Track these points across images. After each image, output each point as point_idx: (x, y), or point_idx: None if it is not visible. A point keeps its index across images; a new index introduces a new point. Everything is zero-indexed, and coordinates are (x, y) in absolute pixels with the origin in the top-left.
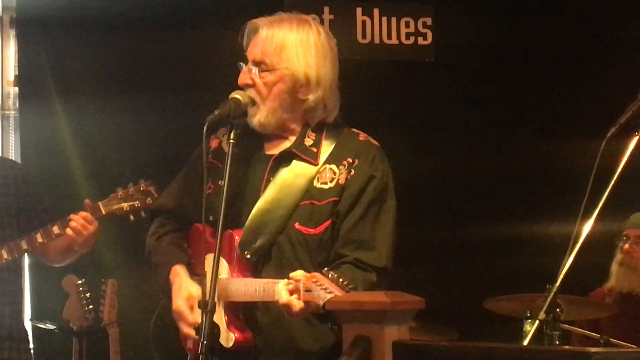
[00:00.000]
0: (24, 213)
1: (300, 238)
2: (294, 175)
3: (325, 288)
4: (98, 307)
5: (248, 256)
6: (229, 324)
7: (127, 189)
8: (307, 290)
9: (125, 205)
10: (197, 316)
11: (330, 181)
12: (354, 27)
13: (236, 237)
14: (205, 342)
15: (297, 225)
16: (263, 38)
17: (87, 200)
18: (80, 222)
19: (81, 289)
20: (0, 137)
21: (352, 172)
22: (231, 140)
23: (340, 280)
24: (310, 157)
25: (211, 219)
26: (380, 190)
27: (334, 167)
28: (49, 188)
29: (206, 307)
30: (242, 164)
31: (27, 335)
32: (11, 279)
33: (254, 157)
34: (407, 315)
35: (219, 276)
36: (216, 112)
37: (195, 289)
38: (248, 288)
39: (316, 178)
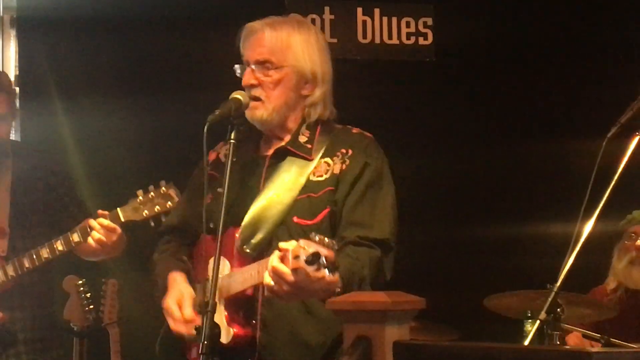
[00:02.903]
0: (52, 208)
1: (299, 230)
2: (290, 171)
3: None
4: (98, 307)
5: (248, 250)
6: (229, 320)
7: (147, 192)
8: (296, 257)
9: (145, 211)
10: (186, 313)
11: (325, 173)
12: (355, 27)
13: (236, 235)
14: (206, 343)
15: (295, 219)
16: (269, 37)
17: (100, 211)
18: (101, 232)
19: (82, 289)
20: None
21: (347, 161)
22: (232, 140)
23: (326, 240)
24: (305, 152)
25: (211, 226)
26: (376, 175)
27: (328, 159)
28: None
29: (207, 307)
30: (239, 167)
31: (54, 338)
32: (41, 282)
33: (250, 159)
34: (408, 315)
35: (221, 275)
36: (217, 112)
37: (186, 290)
38: (245, 275)
39: (312, 173)
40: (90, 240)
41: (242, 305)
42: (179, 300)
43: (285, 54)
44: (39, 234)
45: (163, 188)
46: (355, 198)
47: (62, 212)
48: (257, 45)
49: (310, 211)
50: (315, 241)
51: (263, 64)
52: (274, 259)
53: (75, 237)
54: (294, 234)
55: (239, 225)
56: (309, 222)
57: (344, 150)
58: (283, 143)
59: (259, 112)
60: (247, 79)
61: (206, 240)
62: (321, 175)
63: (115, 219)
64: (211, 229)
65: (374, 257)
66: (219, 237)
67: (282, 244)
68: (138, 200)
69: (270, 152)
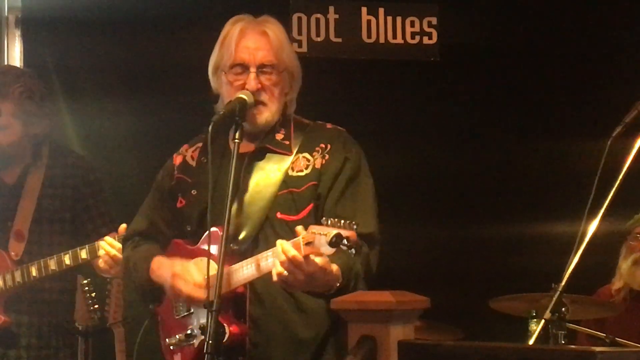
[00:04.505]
0: (79, 217)
1: (284, 226)
2: (269, 168)
3: (326, 233)
4: (103, 306)
5: (235, 248)
6: (222, 319)
7: None
8: (308, 243)
9: None
10: (196, 278)
11: (306, 168)
12: (359, 26)
13: (221, 233)
14: (210, 342)
15: (279, 215)
16: (272, 39)
17: (123, 226)
18: (111, 253)
19: (86, 288)
20: None
21: (327, 156)
22: (236, 140)
23: (342, 222)
24: (285, 149)
25: (189, 229)
26: (356, 169)
27: (307, 155)
28: None
29: (211, 306)
30: (214, 168)
31: (61, 347)
32: (53, 290)
33: (225, 159)
34: (413, 315)
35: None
36: (221, 112)
37: (186, 262)
38: (240, 272)
39: (291, 168)
40: (99, 262)
41: (231, 303)
42: (187, 267)
43: (283, 56)
44: (57, 242)
45: None
46: (337, 194)
47: (87, 224)
48: (261, 47)
49: (294, 206)
50: (328, 225)
51: (265, 66)
52: (289, 249)
53: (83, 254)
54: (278, 230)
55: (222, 224)
56: (293, 218)
57: (323, 145)
58: (259, 141)
59: (264, 116)
60: (254, 85)
61: (178, 246)
62: (301, 170)
63: None
64: (189, 232)
65: (363, 253)
66: (224, 234)
67: (299, 229)
68: None
69: (248, 150)
